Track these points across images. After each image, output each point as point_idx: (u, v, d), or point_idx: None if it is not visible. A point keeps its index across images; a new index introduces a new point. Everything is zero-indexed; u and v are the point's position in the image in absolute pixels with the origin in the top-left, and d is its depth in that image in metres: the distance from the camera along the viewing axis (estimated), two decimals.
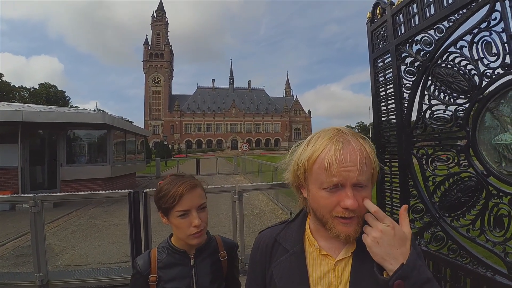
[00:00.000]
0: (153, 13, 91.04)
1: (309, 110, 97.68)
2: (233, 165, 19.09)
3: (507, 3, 1.27)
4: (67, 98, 64.33)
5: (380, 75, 2.42)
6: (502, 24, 1.31)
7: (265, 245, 0.80)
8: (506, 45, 1.31)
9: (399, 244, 0.59)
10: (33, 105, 10.53)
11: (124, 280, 3.18)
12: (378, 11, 2.35)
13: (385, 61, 2.32)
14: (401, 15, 2.08)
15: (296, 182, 0.74)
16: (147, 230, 3.17)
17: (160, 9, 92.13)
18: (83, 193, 3.64)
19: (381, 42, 2.36)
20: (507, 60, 1.31)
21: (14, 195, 6.23)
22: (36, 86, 59.47)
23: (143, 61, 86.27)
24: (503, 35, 1.31)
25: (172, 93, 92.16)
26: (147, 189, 3.21)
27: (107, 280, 3.28)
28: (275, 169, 8.43)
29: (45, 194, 3.55)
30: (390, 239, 0.59)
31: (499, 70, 1.36)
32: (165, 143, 41.28)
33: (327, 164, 0.62)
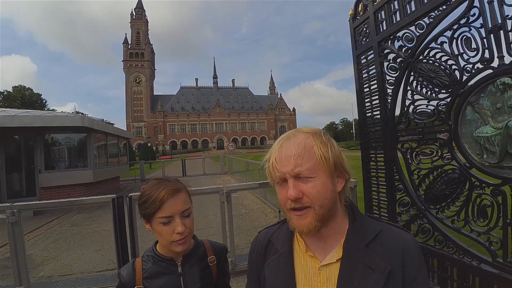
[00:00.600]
0: (132, 11, 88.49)
1: (293, 107, 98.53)
2: (220, 165, 18.94)
3: None
4: (44, 101, 61.57)
5: (363, 72, 2.45)
6: (481, 20, 1.35)
7: (260, 245, 0.81)
8: (485, 40, 1.35)
9: None
10: (7, 109, 9.92)
11: None
12: (360, 8, 2.37)
13: (368, 58, 2.35)
14: (382, 12, 2.10)
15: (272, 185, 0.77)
16: (133, 235, 3.07)
17: (139, 7, 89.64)
18: (64, 200, 3.46)
19: (364, 39, 2.39)
20: (486, 55, 1.35)
21: None
22: (9, 89, 56.57)
23: (123, 60, 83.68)
24: (482, 31, 1.35)
25: (154, 93, 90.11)
26: (131, 194, 3.10)
27: None
28: (262, 167, 8.43)
29: (23, 203, 3.35)
30: None
31: (479, 65, 1.40)
32: (149, 144, 40.38)
33: (271, 164, 0.68)
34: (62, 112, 10.46)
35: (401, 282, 0.63)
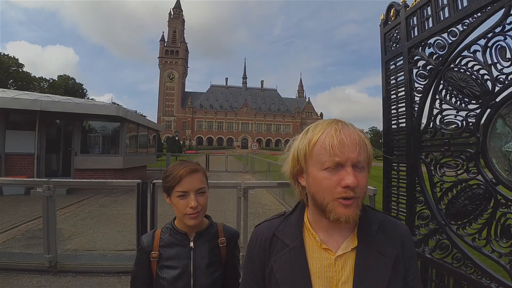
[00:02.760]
0: (170, 11, 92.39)
1: (321, 112, 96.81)
2: (242, 164, 19.17)
3: None
4: (85, 90, 66.25)
5: (391, 78, 2.38)
6: None
7: (264, 240, 0.79)
8: None
9: None
10: (51, 95, 10.89)
11: (129, 267, 3.26)
12: (392, 13, 2.31)
13: (397, 64, 2.29)
14: (414, 18, 2.04)
15: (294, 170, 0.76)
16: (153, 220, 3.23)
17: (177, 7, 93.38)
18: (95, 180, 3.76)
19: (394, 45, 2.32)
20: None
21: (29, 179, 6.49)
22: (54, 77, 61.57)
23: (158, 57, 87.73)
24: None
25: (185, 90, 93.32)
26: (155, 180, 3.26)
27: (113, 266, 3.37)
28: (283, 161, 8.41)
29: (58, 180, 3.68)
30: None
31: None
32: (177, 138, 41.89)
33: (328, 143, 0.64)
34: (99, 101, 11.19)
35: (402, 264, 0.70)
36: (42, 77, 59.12)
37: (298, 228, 0.76)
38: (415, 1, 1.99)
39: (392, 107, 2.38)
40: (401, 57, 2.21)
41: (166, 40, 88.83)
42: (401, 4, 2.16)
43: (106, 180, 3.68)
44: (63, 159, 9.34)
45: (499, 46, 1.37)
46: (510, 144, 1.33)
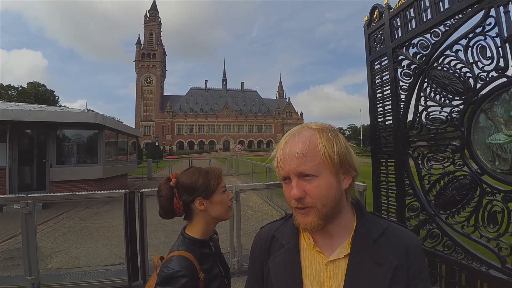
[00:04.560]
0: (146, 13, 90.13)
1: (301, 112, 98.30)
2: (226, 166, 19.05)
3: (501, 9, 1.33)
4: (56, 97, 62.97)
5: (377, 77, 2.48)
6: (496, 29, 1.38)
7: (264, 240, 0.81)
8: (500, 49, 1.37)
9: None
10: (23, 104, 10.24)
11: (118, 283, 3.13)
12: (375, 15, 2.41)
13: (382, 64, 2.39)
14: (398, 19, 2.14)
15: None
16: (142, 231, 3.13)
17: (153, 8, 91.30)
18: (78, 193, 3.55)
19: (378, 45, 2.42)
20: (501, 63, 1.38)
21: (5, 195, 6.05)
22: (23, 84, 58.08)
23: (135, 61, 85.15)
24: (497, 40, 1.38)
25: (164, 94, 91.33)
26: (143, 189, 3.17)
27: (102, 283, 3.21)
28: (269, 170, 8.47)
29: (37, 195, 3.47)
30: None
31: (493, 73, 1.43)
32: (157, 144, 40.87)
33: (276, 161, 0.68)
34: (74, 108, 10.67)
35: (405, 277, 0.64)
36: (10, 84, 55.49)
37: (294, 229, 0.75)
38: (398, 3, 2.09)
39: (379, 105, 2.48)
40: (386, 57, 2.31)
41: (142, 43, 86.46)
42: (384, 6, 2.26)
43: (89, 192, 3.48)
44: (38, 171, 8.77)
45: (480, 45, 1.48)
46: (493, 137, 1.43)
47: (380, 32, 2.36)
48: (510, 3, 1.29)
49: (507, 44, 1.33)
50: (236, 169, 17.24)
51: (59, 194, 3.66)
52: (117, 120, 16.41)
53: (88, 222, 6.50)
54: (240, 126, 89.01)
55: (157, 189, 1.06)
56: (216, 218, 1.06)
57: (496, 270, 1.41)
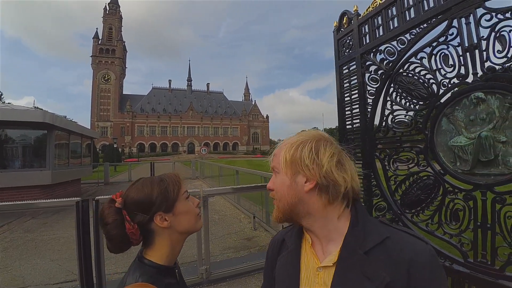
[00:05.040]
0: (105, 6, 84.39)
1: (267, 115, 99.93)
2: (191, 170, 18.48)
3: (463, 20, 1.43)
4: (0, 93, 55.84)
5: (345, 81, 2.55)
6: (458, 39, 1.47)
7: (276, 242, 0.85)
8: (461, 57, 1.47)
9: None
10: None
11: None
12: (344, 21, 2.48)
13: (351, 68, 2.46)
14: (366, 26, 2.22)
15: None
16: (98, 243, 2.83)
17: (114, 2, 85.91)
18: (20, 202, 3.11)
19: (347, 50, 2.49)
20: (462, 71, 1.48)
21: None
22: None
23: (91, 56, 79.04)
24: (459, 49, 1.48)
25: (123, 93, 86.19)
26: (98, 197, 2.87)
27: None
28: (236, 173, 8.38)
29: None
30: None
31: (455, 80, 1.52)
32: (115, 146, 38.22)
33: None
34: (19, 106, 9.49)
35: None
36: None
37: (298, 231, 0.78)
38: (366, 10, 2.17)
39: (347, 109, 2.55)
40: (354, 62, 2.38)
41: (100, 38, 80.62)
42: (353, 12, 2.33)
43: (34, 202, 3.05)
44: None
45: (443, 54, 1.57)
46: (455, 139, 1.53)
47: (349, 37, 2.43)
48: (472, 15, 1.39)
49: (467, 53, 1.43)
50: (201, 173, 16.81)
51: None
52: (70, 120, 14.97)
53: (35, 234, 5.79)
54: (205, 128, 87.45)
55: (99, 214, 0.82)
56: (186, 232, 0.86)
57: (459, 264, 1.50)
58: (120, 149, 53.90)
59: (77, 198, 2.91)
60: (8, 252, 4.74)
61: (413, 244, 0.63)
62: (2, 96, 56.37)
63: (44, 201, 3.08)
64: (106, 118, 78.59)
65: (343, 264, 0.64)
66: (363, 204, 0.77)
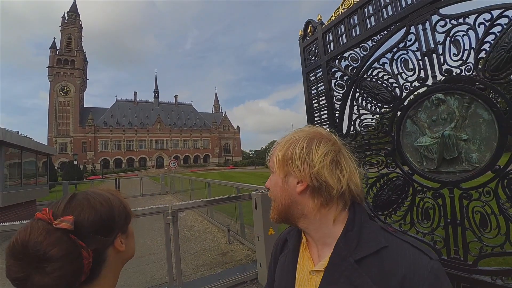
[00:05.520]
0: (64, 14, 79.74)
1: (238, 126, 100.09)
2: (160, 185, 17.68)
3: (420, 26, 1.51)
4: None
5: (312, 88, 2.59)
6: (416, 44, 1.55)
7: (280, 241, 0.84)
8: (420, 62, 1.55)
9: None
10: None
11: None
12: (309, 30, 2.54)
13: (317, 75, 2.50)
14: (330, 34, 2.28)
15: None
16: None
17: (73, 10, 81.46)
18: None
19: (313, 58, 2.54)
20: (422, 74, 1.55)
21: None
22: None
23: (48, 67, 73.57)
24: (418, 53, 1.56)
25: (84, 106, 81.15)
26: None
27: None
28: (208, 185, 8.14)
29: None
30: None
31: (416, 83, 1.60)
32: (75, 162, 35.57)
33: None
34: None
35: None
36: None
37: (298, 232, 0.76)
38: (330, 19, 2.23)
39: (315, 115, 2.57)
40: (320, 69, 2.43)
41: (58, 48, 75.57)
42: (317, 21, 2.39)
43: None
44: None
45: (403, 58, 1.65)
46: (420, 140, 1.58)
47: (314, 45, 2.49)
48: (427, 21, 1.47)
49: (426, 57, 1.51)
50: (171, 187, 16.15)
51: None
52: (23, 136, 13.65)
53: None
54: (174, 141, 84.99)
55: (15, 247, 0.52)
56: (131, 257, 0.71)
57: None
58: (82, 166, 50.31)
59: (28, 221, 2.57)
60: None
61: (412, 258, 0.56)
62: None
63: None
64: (66, 133, 72.99)
65: (332, 269, 0.61)
66: (364, 207, 0.71)
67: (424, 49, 1.51)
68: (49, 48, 74.44)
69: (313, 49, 2.54)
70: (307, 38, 2.61)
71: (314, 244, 0.69)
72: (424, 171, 1.56)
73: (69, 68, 75.68)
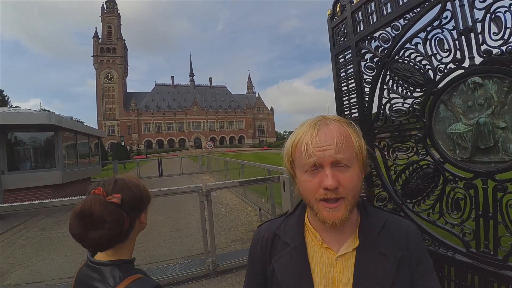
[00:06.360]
0: (102, 4, 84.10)
1: (271, 107, 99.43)
2: (198, 164, 18.64)
3: (457, 2, 1.37)
4: (6, 97, 56.73)
5: (341, 71, 2.49)
6: (453, 22, 1.41)
7: (265, 240, 0.79)
8: (456, 41, 1.41)
9: None
10: None
11: None
12: (338, 9, 2.41)
13: (346, 57, 2.40)
14: (360, 13, 2.15)
15: (291, 172, 0.73)
16: None
17: (111, 0, 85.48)
18: (32, 202, 3.21)
19: (342, 39, 2.43)
20: (458, 55, 1.42)
21: None
22: None
23: (93, 56, 79.34)
24: (454, 33, 1.42)
25: (127, 91, 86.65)
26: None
27: None
28: (242, 166, 8.40)
29: None
30: None
31: (451, 65, 1.47)
32: (123, 144, 38.73)
33: (304, 146, 0.64)
34: (25, 109, 9.66)
35: (408, 266, 0.67)
36: None
37: (299, 227, 0.75)
38: None
39: (344, 98, 2.50)
40: (349, 51, 2.32)
41: (100, 37, 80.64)
42: (346, 0, 2.25)
43: (46, 201, 3.16)
44: None
45: (438, 38, 1.51)
46: (453, 126, 1.48)
47: (343, 26, 2.36)
48: None
49: (463, 37, 1.37)
50: (208, 167, 16.94)
51: (11, 204, 3.28)
52: (76, 120, 15.19)
53: (50, 231, 5.99)
54: (210, 122, 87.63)
55: (82, 212, 0.76)
56: (144, 228, 0.95)
57: (461, 254, 1.48)
58: (128, 147, 54.57)
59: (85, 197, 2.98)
60: (25, 249, 4.92)
61: (404, 223, 0.74)
62: (9, 100, 57.34)
63: (54, 200, 3.20)
64: (112, 117, 79.37)
65: (364, 246, 0.68)
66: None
67: (461, 28, 1.37)
68: (92, 37, 79.62)
69: (342, 29, 2.42)
70: (335, 18, 2.48)
71: (332, 234, 0.70)
72: (456, 160, 1.48)
73: (111, 56, 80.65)
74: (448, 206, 1.55)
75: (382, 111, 2.06)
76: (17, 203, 3.24)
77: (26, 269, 4.02)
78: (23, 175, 8.13)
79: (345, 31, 2.36)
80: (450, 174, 1.53)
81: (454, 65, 1.45)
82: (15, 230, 6.22)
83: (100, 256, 0.84)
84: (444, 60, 1.50)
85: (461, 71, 1.41)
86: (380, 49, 2.01)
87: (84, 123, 13.24)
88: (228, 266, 3.50)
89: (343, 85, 2.49)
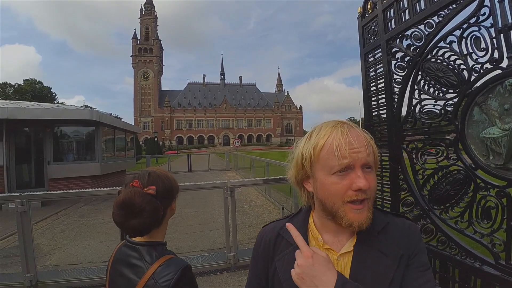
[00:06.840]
0: (141, 7, 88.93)
1: (300, 105, 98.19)
2: (225, 161, 19.04)
3: None
4: (53, 94, 62.61)
5: (371, 70, 2.43)
6: (490, 19, 1.32)
7: (268, 240, 0.80)
8: (494, 40, 1.32)
9: (322, 272, 0.59)
10: (18, 101, 10.19)
11: None
12: (369, 6, 2.34)
13: (376, 56, 2.33)
14: (391, 10, 2.08)
15: (299, 176, 0.74)
16: None
17: (149, 2, 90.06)
18: (72, 191, 3.56)
19: (372, 37, 2.36)
20: (496, 55, 1.33)
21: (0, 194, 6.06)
22: (19, 81, 57.86)
23: (131, 56, 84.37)
24: (492, 30, 1.33)
25: (162, 89, 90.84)
26: None
27: (99, 279, 3.23)
28: (267, 165, 8.45)
29: (32, 193, 3.45)
30: (310, 271, 0.60)
31: (488, 65, 1.38)
32: (156, 139, 40.79)
33: (336, 147, 0.63)
34: (71, 105, 10.63)
35: (406, 262, 0.66)
36: (6, 82, 55.16)
37: (303, 228, 0.76)
38: None
39: (373, 99, 2.43)
40: (380, 49, 2.25)
41: (138, 38, 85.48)
42: None
43: (84, 190, 3.49)
44: (36, 169, 8.78)
45: (474, 36, 1.42)
46: (487, 130, 1.39)
47: (374, 23, 2.30)
48: None
49: (501, 35, 1.28)
50: (235, 164, 17.24)
51: (53, 192, 3.66)
52: (115, 116, 16.35)
53: (87, 218, 6.53)
54: (239, 120, 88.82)
55: (124, 203, 0.88)
56: (172, 215, 1.06)
57: (489, 266, 1.39)
58: (160, 142, 57.39)
59: (120, 188, 3.24)
60: (65, 234, 5.43)
61: (406, 223, 0.74)
62: (56, 97, 63.12)
63: (92, 190, 3.51)
64: (147, 114, 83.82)
65: (361, 243, 0.68)
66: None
67: (500, 25, 1.27)
68: (131, 38, 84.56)
69: (373, 27, 2.35)
70: (366, 15, 2.42)
71: (334, 235, 0.71)
72: (489, 166, 1.38)
73: (148, 55, 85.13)
74: (478, 214, 1.45)
75: (411, 113, 1.98)
76: (60, 191, 3.60)
77: (65, 252, 4.43)
78: (66, 165, 8.97)
79: (376, 29, 2.29)
80: (482, 181, 1.44)
81: (491, 65, 1.36)
82: (58, 215, 6.87)
83: (137, 239, 0.95)
84: (480, 60, 1.41)
85: (499, 71, 1.31)
86: (412, 47, 1.93)
87: (122, 119, 14.18)
88: (248, 261, 3.54)
89: (372, 85, 2.42)
